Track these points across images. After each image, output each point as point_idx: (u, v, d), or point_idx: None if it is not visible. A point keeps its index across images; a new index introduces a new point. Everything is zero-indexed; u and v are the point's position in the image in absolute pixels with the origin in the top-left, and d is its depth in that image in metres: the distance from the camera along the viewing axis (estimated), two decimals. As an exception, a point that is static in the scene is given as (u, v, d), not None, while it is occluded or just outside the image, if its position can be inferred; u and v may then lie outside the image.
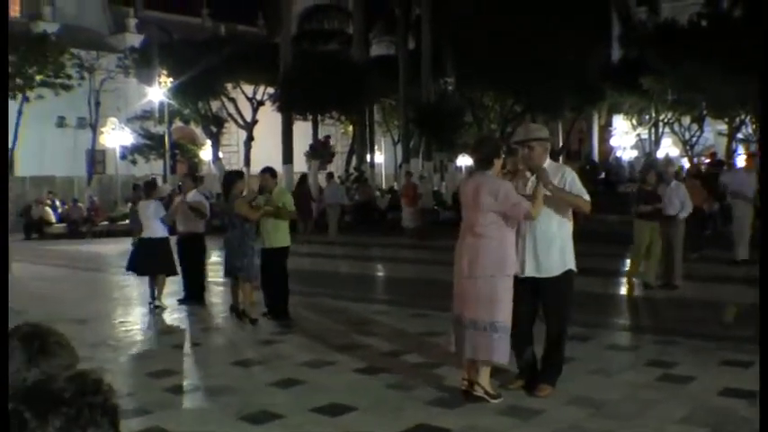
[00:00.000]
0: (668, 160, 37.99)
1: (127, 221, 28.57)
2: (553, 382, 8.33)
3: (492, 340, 7.88)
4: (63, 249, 30.45)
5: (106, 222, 40.17)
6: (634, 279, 15.78)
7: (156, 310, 14.88)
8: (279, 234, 13.51)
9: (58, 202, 41.26)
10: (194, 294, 15.59)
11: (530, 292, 8.22)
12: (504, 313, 7.91)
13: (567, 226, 8.30)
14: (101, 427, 2.17)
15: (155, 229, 15.22)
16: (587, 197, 8.23)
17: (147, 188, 16.21)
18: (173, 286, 15.81)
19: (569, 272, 8.27)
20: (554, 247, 8.14)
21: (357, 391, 8.59)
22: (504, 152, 8.34)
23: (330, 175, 34.25)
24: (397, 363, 9.82)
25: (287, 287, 13.66)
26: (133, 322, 14.13)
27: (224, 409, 8.09)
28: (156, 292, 15.20)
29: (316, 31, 53.43)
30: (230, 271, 13.65)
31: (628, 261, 20.66)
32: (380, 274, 22.19)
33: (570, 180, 8.17)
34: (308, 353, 10.55)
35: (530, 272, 8.13)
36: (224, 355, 10.90)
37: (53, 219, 39.33)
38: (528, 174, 8.28)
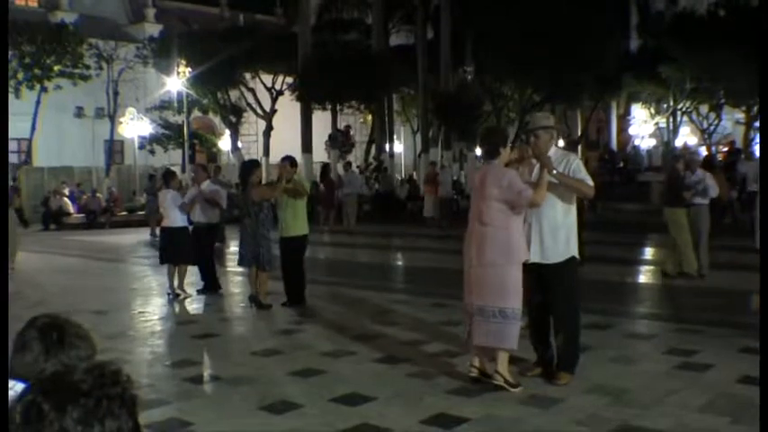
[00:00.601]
0: (686, 149, 37.97)
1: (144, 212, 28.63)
2: (572, 370, 8.36)
3: (502, 327, 7.93)
4: (81, 240, 30.52)
5: (125, 213, 40.29)
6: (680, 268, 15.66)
7: (177, 298, 14.97)
8: (298, 222, 13.59)
9: (74, 191, 41.24)
10: (210, 284, 15.67)
11: (536, 279, 8.28)
12: (513, 300, 7.95)
13: (573, 214, 8.35)
14: (119, 418, 2.16)
15: (174, 218, 15.32)
16: (591, 182, 8.30)
17: (167, 177, 16.24)
18: (192, 276, 15.86)
19: (573, 259, 8.34)
20: (560, 234, 8.20)
21: (377, 380, 8.59)
22: (522, 141, 8.42)
23: (348, 165, 34.23)
24: (416, 352, 9.81)
25: (304, 276, 13.76)
26: (152, 312, 14.15)
27: (244, 399, 8.10)
28: (178, 282, 15.27)
29: (335, 20, 53.37)
30: (246, 260, 13.66)
31: (656, 251, 20.74)
32: (400, 263, 22.22)
33: (575, 166, 8.22)
34: (328, 342, 10.57)
35: (534, 258, 8.17)
36: (243, 345, 10.91)
37: (71, 209, 39.39)
38: (534, 161, 8.32)
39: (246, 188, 13.74)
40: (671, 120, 53.06)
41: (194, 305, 14.42)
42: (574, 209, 8.37)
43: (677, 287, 14.94)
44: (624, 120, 61.94)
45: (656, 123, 54.38)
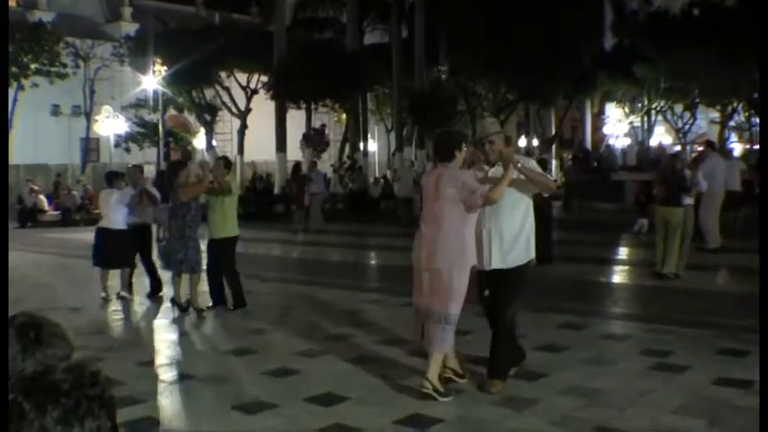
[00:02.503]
0: (662, 149, 38.08)
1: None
2: (504, 376, 8.22)
3: (442, 331, 7.86)
4: (57, 237, 30.40)
5: (98, 210, 40.06)
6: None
7: (117, 300, 14.84)
8: (227, 224, 13.36)
9: (36, 187, 40.94)
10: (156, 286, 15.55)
11: (492, 284, 8.19)
12: (456, 305, 7.86)
13: (531, 216, 8.27)
14: (98, 418, 2.20)
15: (116, 219, 14.98)
16: (551, 178, 8.32)
17: (111, 178, 15.73)
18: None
19: (529, 262, 8.26)
20: (520, 238, 8.11)
21: (351, 380, 8.60)
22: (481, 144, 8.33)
23: (314, 164, 34.04)
24: (389, 352, 9.81)
25: (238, 277, 13.50)
26: (125, 310, 14.15)
27: (218, 399, 8.11)
28: (121, 283, 15.21)
29: (309, 19, 53.43)
30: (170, 264, 13.49)
31: (632, 251, 20.81)
32: (372, 262, 22.21)
33: (530, 166, 8.14)
34: (301, 342, 10.55)
35: (496, 264, 8.07)
36: (216, 344, 10.93)
37: (47, 207, 39.33)
38: (486, 167, 8.23)
39: (173, 189, 13.55)
40: (645, 119, 53.24)
41: (166, 304, 14.30)
42: (532, 211, 8.31)
43: (652, 287, 14.89)
44: (599, 119, 62.09)
45: (631, 122, 54.59)
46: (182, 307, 13.29)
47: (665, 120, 50.86)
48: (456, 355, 8.35)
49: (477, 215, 7.96)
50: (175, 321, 12.81)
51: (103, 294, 14.88)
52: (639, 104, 52.47)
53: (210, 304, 13.48)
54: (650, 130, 53.20)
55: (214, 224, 13.35)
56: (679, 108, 49.33)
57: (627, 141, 56.18)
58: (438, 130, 9.33)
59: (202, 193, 13.38)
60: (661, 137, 52.41)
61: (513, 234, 8.06)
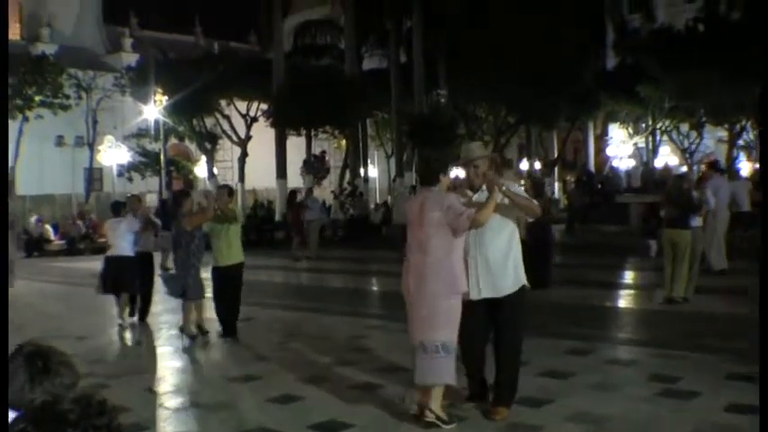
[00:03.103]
0: (668, 170, 37.93)
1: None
2: (509, 404, 8.14)
3: (439, 362, 7.66)
4: (62, 266, 30.47)
5: (104, 239, 40.14)
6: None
7: (125, 329, 14.98)
8: (233, 251, 13.52)
9: (32, 220, 41.02)
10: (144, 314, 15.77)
11: (484, 311, 8.06)
12: (451, 333, 7.70)
13: (517, 241, 8.15)
14: (105, 447, 2.24)
15: (123, 247, 15.24)
16: (535, 202, 8.26)
17: (117, 207, 16.09)
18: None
19: (523, 287, 8.14)
20: (508, 264, 7.99)
21: (354, 407, 8.55)
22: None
23: (310, 191, 33.98)
24: (392, 378, 9.71)
25: (238, 306, 13.68)
26: (130, 339, 14.18)
27: (222, 425, 8.10)
28: (130, 310, 15.47)
29: (308, 46, 53.62)
30: (174, 292, 13.65)
31: (637, 274, 20.65)
32: (374, 288, 22.16)
33: (515, 190, 8.06)
34: (304, 369, 10.52)
35: (486, 293, 7.96)
36: (220, 371, 10.90)
37: (52, 236, 39.52)
38: (469, 192, 8.17)
39: (178, 218, 13.67)
40: (650, 139, 52.87)
41: (170, 332, 14.36)
42: (517, 236, 8.20)
43: (659, 312, 14.73)
44: (602, 140, 61.73)
45: (635, 143, 54.23)
46: (190, 334, 13.32)
47: (671, 140, 50.38)
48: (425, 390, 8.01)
49: (462, 240, 7.83)
50: (180, 348, 12.81)
51: (120, 321, 15.15)
52: (644, 125, 52.02)
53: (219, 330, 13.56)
54: (655, 151, 52.79)
55: (219, 252, 13.47)
56: (685, 128, 48.80)
57: (631, 163, 55.81)
58: (423, 154, 9.26)
59: (206, 222, 13.47)
60: (667, 157, 51.90)
61: (498, 260, 7.95)
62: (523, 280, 8.12)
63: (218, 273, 13.60)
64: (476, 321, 8.01)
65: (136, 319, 15.47)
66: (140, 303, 15.75)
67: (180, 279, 13.41)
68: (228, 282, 13.49)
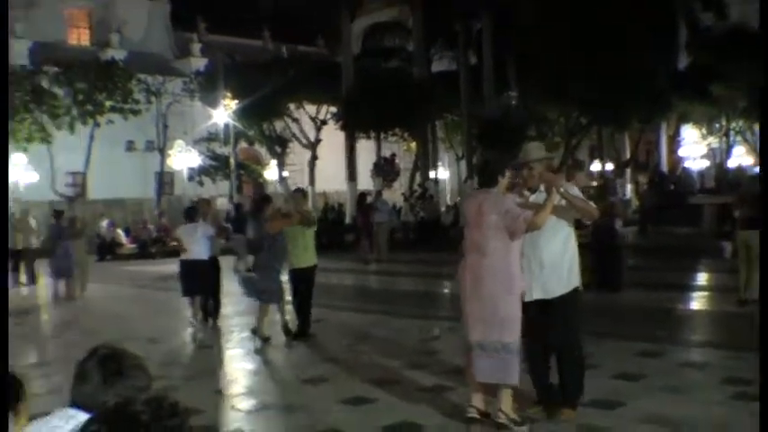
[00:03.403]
0: (741, 170, 37.36)
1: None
2: (575, 405, 8.10)
3: (503, 362, 7.65)
4: (134, 269, 30.84)
5: (175, 243, 40.57)
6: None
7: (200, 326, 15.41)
8: (308, 253, 13.74)
9: (104, 225, 41.58)
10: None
11: (538, 313, 8.00)
12: (513, 333, 7.67)
13: (573, 243, 8.12)
14: (176, 448, 2.23)
15: (199, 251, 15.64)
16: (593, 205, 8.11)
17: (192, 212, 16.48)
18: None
19: (575, 290, 8.08)
20: (561, 266, 7.94)
21: (425, 409, 8.53)
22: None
23: (379, 194, 34.00)
24: (463, 381, 9.59)
25: (310, 307, 13.89)
26: (202, 341, 14.30)
27: (294, 428, 8.14)
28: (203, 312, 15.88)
29: (377, 48, 53.68)
30: (251, 293, 13.89)
31: (710, 276, 20.34)
32: (444, 290, 22.07)
33: (573, 193, 7.95)
34: (374, 371, 10.55)
35: (536, 294, 7.93)
36: (293, 373, 10.95)
37: (124, 240, 40.01)
38: (527, 193, 8.11)
39: (258, 222, 13.82)
40: (724, 140, 52.28)
41: (241, 334, 14.48)
42: (573, 237, 8.16)
43: (732, 314, 14.55)
44: (674, 141, 61.04)
45: (708, 144, 53.66)
46: (263, 337, 13.43)
47: (745, 140, 49.75)
48: (484, 392, 8.04)
49: (520, 243, 7.79)
50: (252, 350, 12.90)
51: (193, 322, 15.50)
52: (717, 125, 51.53)
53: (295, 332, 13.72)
54: (729, 152, 52.13)
55: (296, 255, 13.66)
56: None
57: (704, 163, 55.24)
58: (482, 156, 9.17)
59: (289, 226, 13.68)
60: (741, 158, 51.21)
61: (553, 262, 7.90)
62: (576, 283, 8.06)
63: (294, 275, 13.83)
64: (530, 322, 7.96)
65: (210, 321, 15.74)
66: (213, 306, 16.03)
67: (260, 282, 13.61)
68: (302, 284, 13.72)
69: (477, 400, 7.97)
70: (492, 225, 7.68)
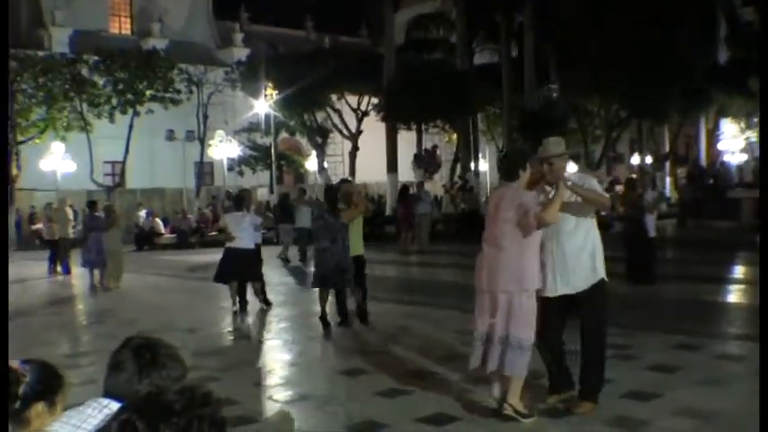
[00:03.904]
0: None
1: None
2: (595, 399, 8.04)
3: (515, 356, 7.65)
4: (172, 259, 30.93)
5: (215, 233, 40.80)
6: None
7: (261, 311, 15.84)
8: (360, 242, 14.11)
9: (142, 214, 41.77)
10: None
11: (561, 307, 8.02)
12: (522, 329, 7.65)
13: (593, 235, 8.03)
14: (209, 437, 2.26)
15: (248, 239, 16.01)
16: (606, 195, 8.03)
17: (240, 200, 16.77)
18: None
19: (602, 281, 8.01)
20: (583, 260, 7.90)
21: (461, 401, 8.54)
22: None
23: (421, 184, 34.02)
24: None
25: (367, 291, 14.32)
26: (240, 331, 14.40)
27: (331, 419, 8.17)
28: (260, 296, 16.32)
29: (419, 40, 53.58)
30: (326, 282, 13.85)
31: (748, 269, 20.20)
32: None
33: (589, 184, 7.94)
34: (413, 362, 10.58)
35: (562, 290, 7.93)
36: (329, 364, 11.01)
37: (163, 230, 40.12)
38: (547, 188, 8.01)
39: (331, 212, 13.83)
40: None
41: (283, 324, 14.58)
42: (595, 229, 8.08)
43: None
44: (713, 135, 60.70)
45: (747, 138, 53.33)
46: (326, 323, 13.69)
47: (784, 134, 49.44)
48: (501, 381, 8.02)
49: (537, 238, 7.77)
50: (289, 340, 12.99)
51: (235, 308, 15.85)
52: (755, 119, 51.24)
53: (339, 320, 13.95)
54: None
55: (352, 243, 13.81)
56: (798, 122, 47.80)
57: (743, 157, 54.90)
58: (504, 150, 9.07)
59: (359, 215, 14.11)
60: (779, 152, 50.88)
61: (575, 256, 7.87)
62: (601, 274, 7.99)
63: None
64: (552, 317, 7.99)
65: (259, 307, 16.11)
66: (261, 293, 16.44)
67: (335, 271, 13.62)
68: (359, 270, 13.98)
69: (498, 391, 7.98)
70: (508, 219, 7.68)
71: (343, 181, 15.63)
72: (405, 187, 32.53)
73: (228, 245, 16.11)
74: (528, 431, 7.53)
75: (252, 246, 15.98)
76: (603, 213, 8.26)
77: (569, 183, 7.70)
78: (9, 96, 36.42)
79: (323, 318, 13.75)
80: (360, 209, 13.94)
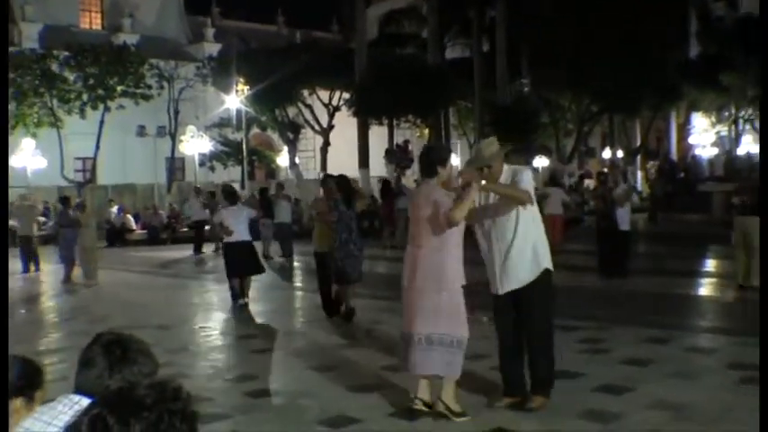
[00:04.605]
0: (749, 158, 37.39)
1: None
2: (546, 393, 7.91)
3: (448, 355, 7.65)
4: (144, 256, 30.81)
5: (186, 229, 40.74)
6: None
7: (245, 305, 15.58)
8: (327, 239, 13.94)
9: (113, 210, 41.57)
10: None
11: (510, 304, 7.90)
12: (458, 328, 7.66)
13: (534, 226, 7.80)
14: (179, 432, 2.25)
15: (243, 233, 15.98)
16: (525, 189, 7.59)
17: (232, 195, 16.72)
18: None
19: (546, 273, 7.82)
20: (524, 253, 7.72)
21: (434, 395, 8.53)
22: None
23: (398, 179, 34.05)
24: (473, 366, 9.55)
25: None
26: (212, 327, 14.34)
27: (303, 414, 8.16)
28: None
29: (391, 35, 53.59)
30: (340, 277, 13.72)
31: (718, 262, 20.35)
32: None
33: (519, 178, 7.68)
34: (385, 357, 10.55)
35: (507, 287, 7.81)
36: (302, 359, 10.96)
37: (134, 226, 39.99)
38: (456, 186, 7.87)
39: (346, 203, 13.71)
40: (733, 128, 52.28)
41: (255, 320, 14.57)
42: (535, 221, 7.83)
43: (738, 300, 14.74)
44: (684, 129, 61.11)
45: (718, 132, 53.70)
46: (353, 311, 13.72)
47: (753, 128, 49.80)
48: (432, 385, 7.96)
49: (457, 235, 7.72)
50: (265, 337, 12.96)
51: (242, 301, 15.76)
52: (726, 113, 51.62)
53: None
54: (738, 140, 52.18)
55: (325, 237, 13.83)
56: (768, 116, 48.15)
57: (714, 151, 55.27)
58: (423, 146, 8.98)
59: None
60: (749, 146, 51.25)
61: (516, 250, 7.70)
62: (545, 265, 7.79)
63: (326, 258, 13.98)
64: (503, 316, 7.98)
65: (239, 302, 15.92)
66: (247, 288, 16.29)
67: (357, 264, 13.75)
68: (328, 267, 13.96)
69: (423, 392, 7.90)
70: (425, 218, 7.65)
71: (330, 177, 15.43)
72: (387, 183, 32.54)
73: (227, 240, 16.03)
74: (498, 426, 7.50)
75: (249, 238, 16.06)
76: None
77: (482, 183, 7.57)
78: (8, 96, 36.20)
79: (351, 311, 13.75)
80: (364, 199, 13.94)
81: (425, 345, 7.64)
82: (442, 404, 7.72)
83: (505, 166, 7.91)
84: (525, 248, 7.72)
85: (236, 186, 44.68)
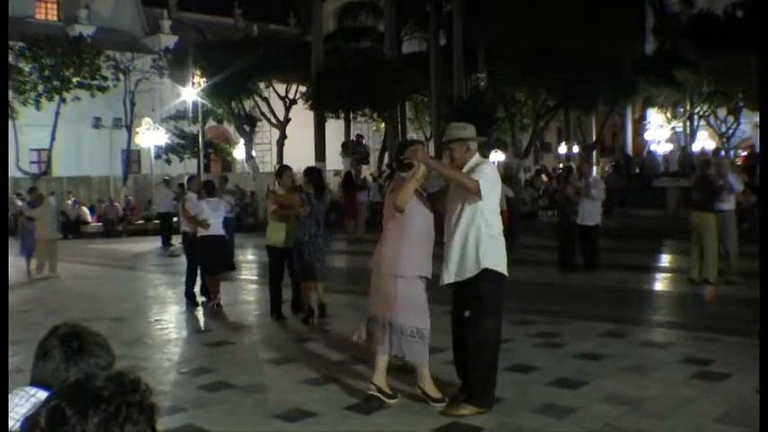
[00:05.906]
0: (704, 154, 37.69)
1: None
2: (477, 402, 7.63)
3: (415, 345, 7.79)
4: (99, 248, 30.67)
5: (141, 221, 40.59)
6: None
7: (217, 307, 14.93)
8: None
9: (69, 203, 41.27)
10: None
11: (457, 300, 7.89)
12: (403, 317, 7.72)
13: (478, 222, 7.57)
14: (138, 424, 2.25)
15: (217, 227, 15.36)
16: (478, 179, 7.43)
17: (211, 187, 16.16)
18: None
19: (486, 271, 7.55)
20: (467, 247, 7.56)
21: (390, 389, 8.47)
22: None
23: (357, 173, 34.11)
24: (432, 359, 9.66)
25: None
26: (168, 320, 14.30)
27: (258, 407, 8.14)
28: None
29: (347, 28, 53.50)
30: (308, 273, 13.31)
31: (673, 258, 20.56)
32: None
33: (479, 169, 7.57)
34: (341, 351, 10.57)
35: (449, 278, 7.71)
36: (257, 354, 10.95)
37: (89, 218, 39.78)
38: (404, 175, 7.90)
39: (318, 196, 13.34)
40: (688, 124, 52.65)
41: (210, 314, 14.48)
42: (480, 216, 7.58)
43: (693, 295, 14.84)
44: (640, 124, 61.41)
45: (673, 128, 54.04)
46: (312, 312, 13.29)
47: (708, 125, 50.19)
48: (387, 372, 8.11)
49: (419, 224, 7.78)
50: (220, 330, 12.91)
51: (221, 300, 15.08)
52: (681, 109, 51.94)
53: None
54: (693, 136, 52.56)
55: (289, 233, 13.48)
56: (722, 112, 48.62)
57: (669, 147, 55.60)
58: (397, 142, 9.05)
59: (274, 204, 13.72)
60: (704, 142, 51.65)
61: (458, 243, 7.63)
62: (486, 264, 7.55)
63: (284, 253, 13.66)
64: (453, 311, 7.99)
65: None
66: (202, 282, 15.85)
67: (323, 259, 13.38)
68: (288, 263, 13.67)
69: (379, 378, 8.03)
70: (388, 206, 7.87)
71: (287, 168, 15.08)
72: (349, 175, 32.51)
73: (203, 233, 15.25)
74: (453, 421, 7.51)
75: (223, 232, 15.53)
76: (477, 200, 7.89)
77: (430, 162, 7.67)
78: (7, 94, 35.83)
79: (320, 310, 13.52)
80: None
81: (387, 329, 7.81)
82: (421, 392, 7.90)
83: (475, 158, 7.86)
84: (464, 243, 7.61)
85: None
